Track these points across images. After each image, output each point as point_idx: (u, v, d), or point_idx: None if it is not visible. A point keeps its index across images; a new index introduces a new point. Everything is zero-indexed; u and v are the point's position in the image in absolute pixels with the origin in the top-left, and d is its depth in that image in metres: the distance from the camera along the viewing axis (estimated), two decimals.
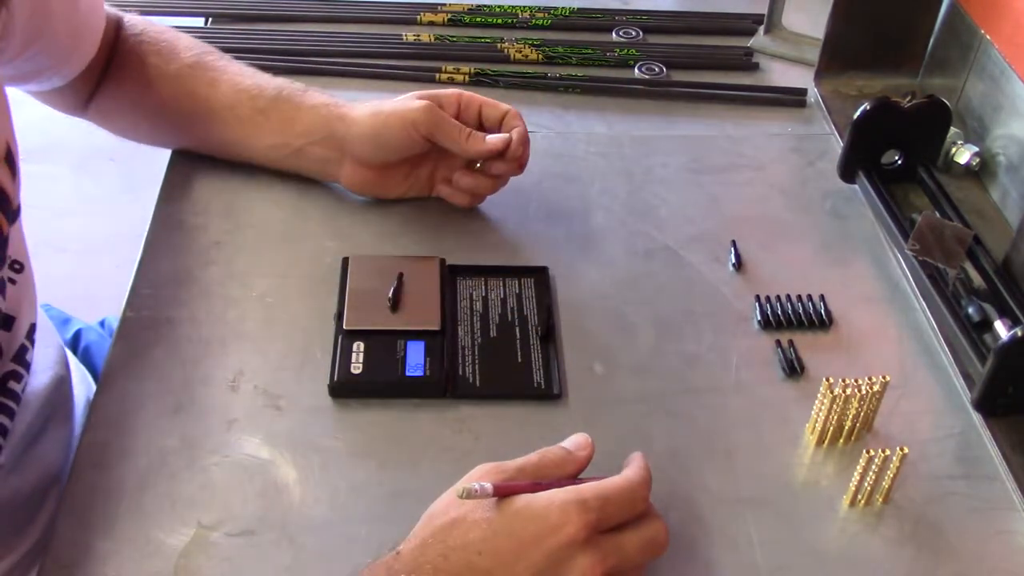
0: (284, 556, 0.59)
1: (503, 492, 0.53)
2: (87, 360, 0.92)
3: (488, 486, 0.53)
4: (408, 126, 0.76)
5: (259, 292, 0.75)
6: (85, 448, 0.64)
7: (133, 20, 0.83)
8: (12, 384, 0.68)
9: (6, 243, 0.64)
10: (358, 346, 0.69)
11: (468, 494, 0.52)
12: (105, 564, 0.58)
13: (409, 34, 1.04)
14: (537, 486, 0.55)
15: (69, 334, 0.95)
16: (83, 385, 0.84)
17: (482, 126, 0.78)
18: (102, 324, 0.99)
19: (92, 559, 0.58)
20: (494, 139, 0.76)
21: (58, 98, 0.82)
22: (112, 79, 0.82)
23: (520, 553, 0.52)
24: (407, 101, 0.77)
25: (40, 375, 0.74)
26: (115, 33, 0.82)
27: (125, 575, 0.58)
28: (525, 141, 0.77)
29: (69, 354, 0.83)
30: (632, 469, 0.57)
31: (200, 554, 0.59)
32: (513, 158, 0.77)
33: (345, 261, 0.76)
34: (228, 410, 0.67)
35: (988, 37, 0.86)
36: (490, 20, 1.07)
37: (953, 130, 0.86)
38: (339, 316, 0.71)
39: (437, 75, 0.98)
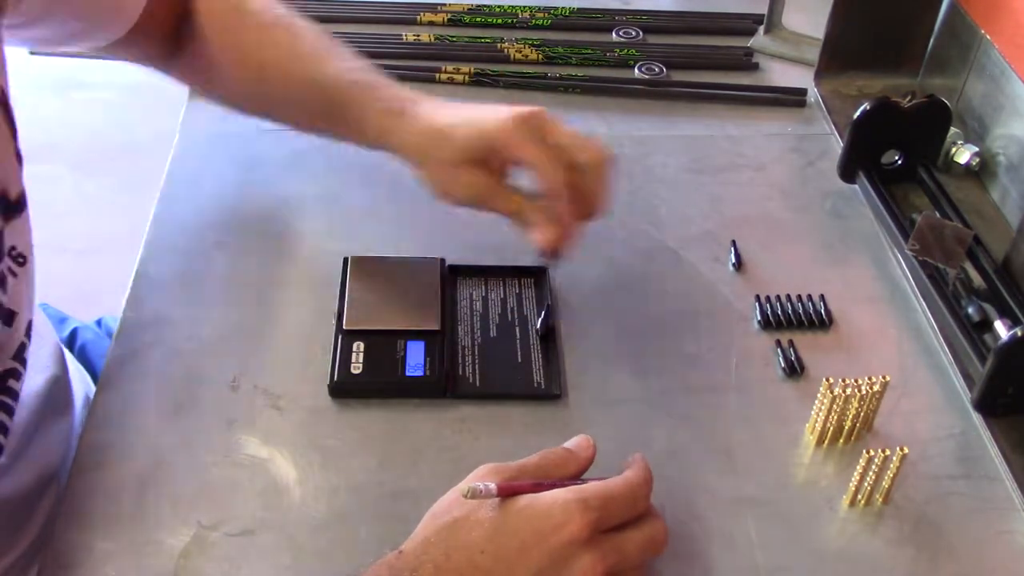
0: (284, 556, 0.59)
1: (506, 492, 0.54)
2: (83, 359, 0.92)
3: (492, 486, 0.53)
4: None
5: (259, 292, 0.75)
6: (85, 448, 0.64)
7: None
8: (11, 382, 0.68)
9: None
10: (358, 346, 0.69)
11: (472, 494, 0.53)
12: (105, 564, 0.58)
13: (409, 34, 1.04)
14: (540, 486, 0.55)
15: (65, 333, 0.95)
16: (81, 383, 0.84)
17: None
18: (99, 323, 0.99)
19: (92, 559, 0.58)
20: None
21: (121, 52, 0.77)
22: (194, 32, 0.76)
23: (522, 552, 0.52)
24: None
25: (37, 374, 0.74)
26: None
27: (125, 575, 0.58)
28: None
29: (67, 352, 0.83)
30: (633, 470, 0.57)
31: (200, 554, 0.59)
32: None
33: (345, 261, 0.75)
34: (228, 410, 0.67)
35: (988, 37, 0.86)
36: (490, 20, 1.07)
37: (953, 130, 0.86)
38: (339, 316, 0.71)
39: (437, 75, 0.98)
